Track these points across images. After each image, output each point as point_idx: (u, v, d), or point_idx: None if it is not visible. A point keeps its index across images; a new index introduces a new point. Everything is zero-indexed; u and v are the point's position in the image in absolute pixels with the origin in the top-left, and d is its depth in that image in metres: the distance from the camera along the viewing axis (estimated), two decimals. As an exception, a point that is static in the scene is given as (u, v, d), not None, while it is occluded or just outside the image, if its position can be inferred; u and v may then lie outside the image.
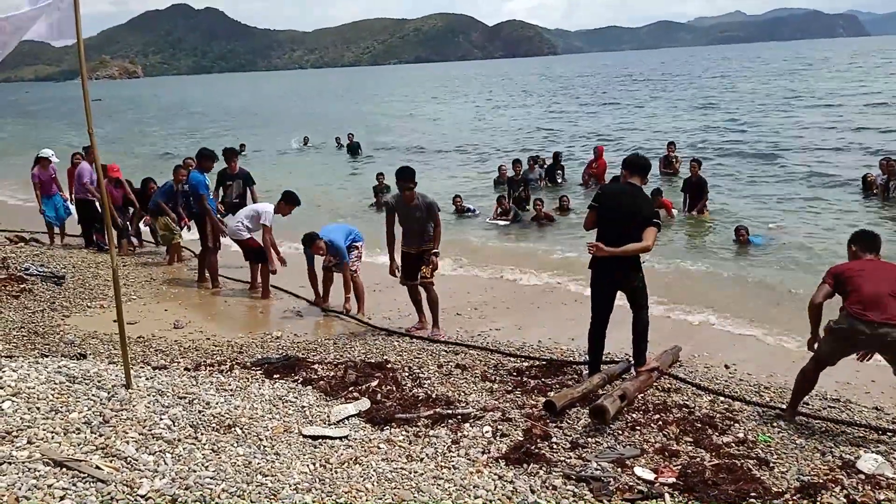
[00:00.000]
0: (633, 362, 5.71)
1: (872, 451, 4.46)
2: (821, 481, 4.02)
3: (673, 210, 12.46)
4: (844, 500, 3.80)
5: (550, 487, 3.87)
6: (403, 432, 4.54)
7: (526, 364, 6.14)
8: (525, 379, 5.74)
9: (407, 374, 5.77)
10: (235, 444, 3.91)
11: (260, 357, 6.19)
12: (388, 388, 5.40)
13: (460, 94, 60.13)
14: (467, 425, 4.67)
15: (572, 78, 76.78)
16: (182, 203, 10.14)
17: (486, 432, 4.56)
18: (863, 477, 4.10)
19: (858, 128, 22.81)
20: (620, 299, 5.63)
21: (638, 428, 4.73)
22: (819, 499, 3.80)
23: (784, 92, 38.87)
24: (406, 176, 6.80)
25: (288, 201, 8.65)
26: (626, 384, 5.23)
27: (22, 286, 8.28)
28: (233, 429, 4.14)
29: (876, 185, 13.04)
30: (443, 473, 3.92)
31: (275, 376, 5.56)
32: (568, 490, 3.85)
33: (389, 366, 5.94)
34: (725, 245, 10.81)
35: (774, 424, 4.91)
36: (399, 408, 4.95)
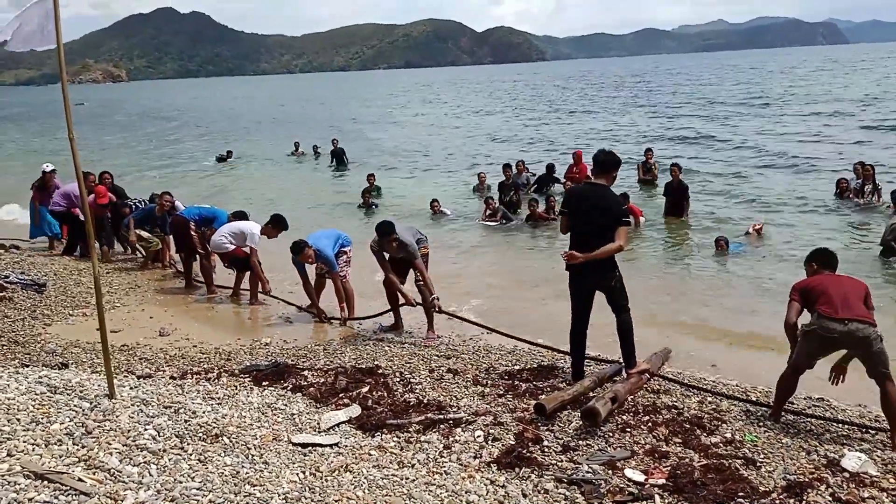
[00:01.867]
0: (623, 364, 5.70)
1: (856, 450, 4.48)
2: (807, 480, 4.03)
3: (641, 217, 12.27)
4: (830, 499, 3.82)
5: (542, 491, 3.85)
6: (395, 438, 4.50)
7: (517, 367, 6.12)
8: (516, 382, 5.71)
9: (398, 379, 5.74)
10: (223, 454, 3.87)
11: (248, 364, 6.13)
12: (379, 393, 5.36)
13: (440, 100, 60.07)
14: (459, 430, 4.64)
15: (545, 85, 76.63)
16: (162, 227, 10.32)
17: (478, 437, 4.53)
18: (847, 475, 4.13)
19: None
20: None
21: (628, 430, 4.72)
22: (805, 497, 3.81)
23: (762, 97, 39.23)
24: (385, 231, 7.01)
25: (276, 225, 8.56)
26: (618, 387, 5.22)
27: (2, 294, 8.17)
28: (220, 438, 4.09)
29: (849, 189, 13.07)
30: (434, 479, 3.90)
31: (264, 384, 5.51)
32: (559, 493, 3.84)
33: (380, 371, 5.90)
34: (705, 253, 10.76)
35: (761, 424, 4.92)
36: (390, 413, 4.91)
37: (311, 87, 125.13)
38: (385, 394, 5.34)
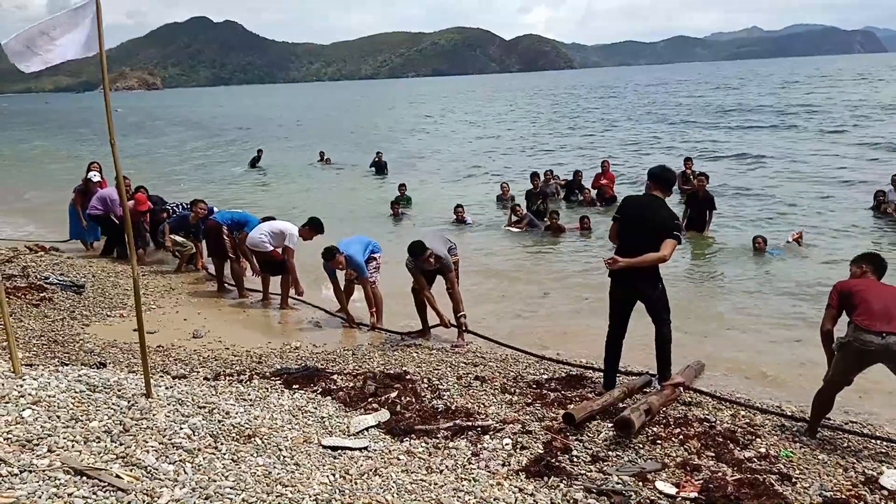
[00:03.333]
0: (655, 376, 5.66)
1: (894, 468, 4.39)
2: (843, 497, 3.98)
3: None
4: (869, 517, 3.74)
5: (571, 501, 3.84)
6: (423, 444, 4.52)
7: (545, 376, 6.11)
8: (544, 391, 5.70)
9: (426, 385, 5.76)
10: (255, 455, 3.91)
11: (279, 367, 6.19)
12: (408, 399, 5.38)
13: (468, 109, 60.28)
14: (487, 437, 4.64)
15: (569, 95, 76.41)
16: (196, 234, 10.48)
17: (506, 445, 4.53)
18: (886, 493, 4.05)
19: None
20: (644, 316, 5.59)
21: (659, 442, 4.68)
22: (844, 515, 3.74)
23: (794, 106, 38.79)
24: (418, 251, 7.17)
25: (313, 227, 8.68)
26: (652, 398, 5.16)
27: (42, 295, 8.36)
28: (252, 439, 4.13)
29: (886, 201, 12.53)
30: (463, 485, 3.90)
31: (294, 387, 5.56)
32: (589, 504, 3.82)
33: (409, 377, 5.92)
34: (740, 259, 10.59)
35: (796, 439, 4.85)
36: (418, 419, 4.93)
37: (341, 94, 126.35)
38: (413, 399, 5.35)
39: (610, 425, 4.93)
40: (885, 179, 13.74)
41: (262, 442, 4.13)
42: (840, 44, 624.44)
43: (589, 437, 4.77)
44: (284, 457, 3.99)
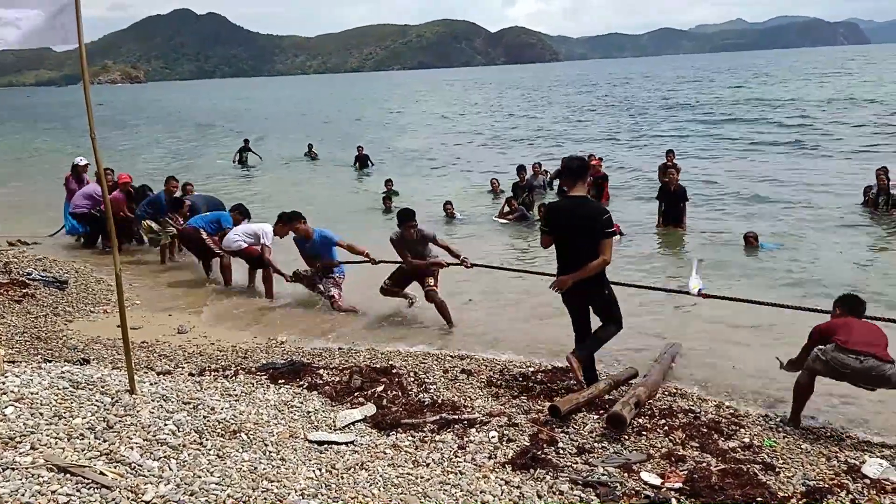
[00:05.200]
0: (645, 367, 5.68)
1: (877, 456, 4.44)
2: (826, 486, 4.00)
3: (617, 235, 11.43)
4: (851, 505, 3.78)
5: (557, 493, 3.85)
6: (409, 437, 4.52)
7: (531, 369, 6.12)
8: (530, 384, 5.71)
9: (412, 379, 5.75)
10: (241, 450, 3.90)
11: (265, 362, 6.17)
12: (394, 393, 5.38)
13: (454, 101, 60.42)
14: (473, 430, 4.65)
15: (554, 87, 76.73)
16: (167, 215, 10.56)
17: (493, 437, 4.54)
18: (868, 481, 4.09)
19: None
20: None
21: (644, 433, 4.71)
22: (825, 503, 3.77)
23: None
24: (407, 217, 7.52)
25: (285, 222, 8.60)
26: (640, 390, 5.17)
27: (24, 291, 8.28)
28: (238, 434, 4.12)
29: (870, 196, 12.45)
30: (449, 479, 3.91)
31: (280, 382, 5.54)
32: (575, 495, 3.84)
33: (395, 371, 5.92)
34: (730, 255, 10.45)
35: (779, 429, 4.90)
36: (405, 413, 4.93)
37: (326, 87, 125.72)
38: (400, 393, 5.35)
39: (596, 417, 4.96)
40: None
41: (248, 437, 4.12)
42: (824, 36, 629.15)
43: (575, 428, 4.79)
44: (270, 452, 3.98)
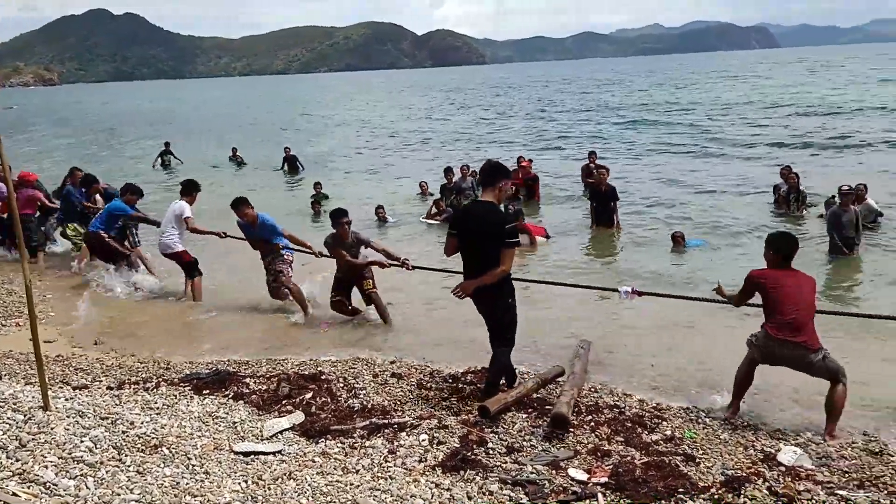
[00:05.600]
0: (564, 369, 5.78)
1: (792, 444, 4.65)
2: (744, 475, 4.15)
3: (540, 237, 11.52)
4: (767, 493, 3.93)
5: (487, 493, 3.88)
6: (339, 444, 4.48)
7: (461, 370, 6.15)
8: (461, 385, 5.74)
9: (342, 385, 5.69)
10: (162, 465, 3.78)
11: (189, 373, 6.00)
12: (323, 399, 5.32)
13: (383, 104, 60.44)
14: (404, 434, 4.64)
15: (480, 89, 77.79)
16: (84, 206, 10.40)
17: (423, 440, 4.54)
18: (783, 469, 4.27)
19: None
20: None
21: (571, 430, 4.79)
22: (743, 492, 3.92)
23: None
24: (340, 214, 7.52)
25: (190, 191, 8.85)
26: (573, 391, 5.27)
27: (-72, 305, 7.81)
28: (159, 449, 4.00)
29: (780, 194, 12.95)
30: (379, 484, 3.88)
31: (204, 392, 5.40)
32: (504, 494, 3.87)
33: (324, 377, 5.84)
34: (654, 256, 10.75)
35: (700, 421, 5.07)
36: (334, 419, 4.88)
37: (251, 89, 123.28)
38: (329, 400, 5.30)
39: (525, 416, 5.02)
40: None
41: (170, 451, 4.00)
42: (737, 40, 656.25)
43: (504, 428, 4.83)
44: (194, 466, 3.87)
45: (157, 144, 26.13)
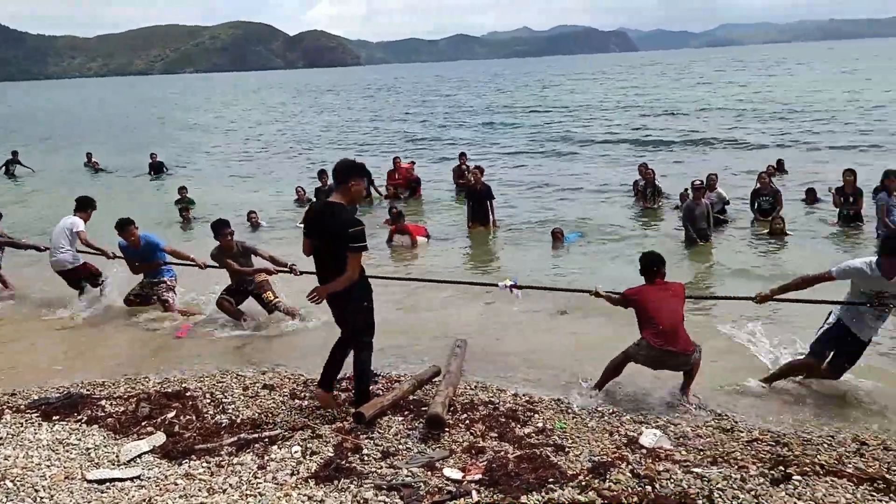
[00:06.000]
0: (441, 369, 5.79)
1: (653, 427, 4.88)
2: (609, 460, 4.31)
3: (422, 238, 11.55)
4: (630, 475, 4.09)
5: (361, 500, 3.82)
6: (204, 464, 4.27)
7: (337, 377, 6.02)
8: (336, 392, 5.63)
9: (209, 400, 5.44)
10: (5, 500, 3.45)
11: (37, 398, 5.52)
12: (188, 417, 5.06)
13: (252, 106, 58.91)
14: (275, 447, 4.49)
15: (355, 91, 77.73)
16: None
17: (296, 452, 4.41)
18: (645, 451, 4.47)
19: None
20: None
21: (447, 429, 4.81)
22: (608, 476, 4.06)
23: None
24: (222, 225, 7.51)
25: (83, 208, 8.65)
26: (449, 390, 5.29)
27: None
28: (2, 483, 3.65)
29: (639, 189, 13.76)
30: (248, 502, 3.73)
31: (54, 418, 5.00)
32: (379, 501, 3.83)
33: (189, 394, 5.56)
34: (532, 252, 11.05)
35: (569, 411, 5.23)
36: (199, 438, 4.65)
37: (110, 91, 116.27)
38: (194, 417, 5.04)
39: (401, 419, 4.99)
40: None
41: (14, 484, 3.69)
42: (599, 44, 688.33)
43: (380, 433, 4.78)
44: (42, 498, 3.59)
45: (2, 152, 24.06)
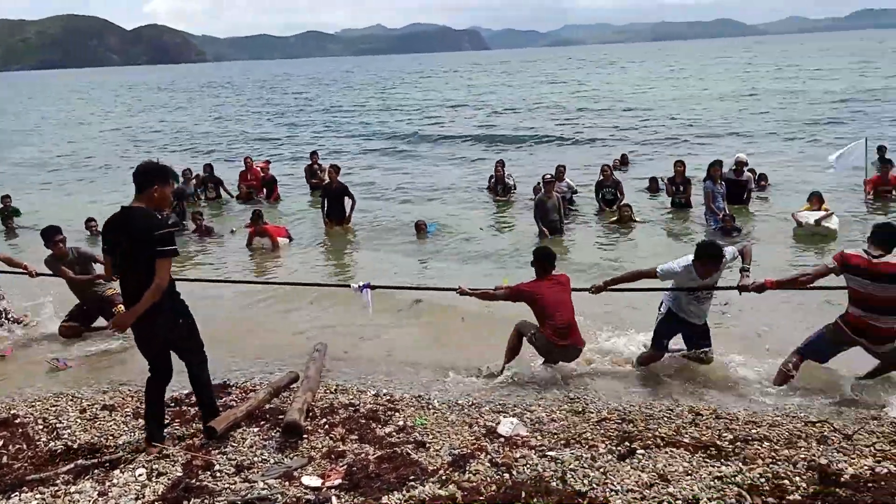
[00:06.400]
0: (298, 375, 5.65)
1: (510, 415, 5.00)
2: (469, 451, 4.36)
3: (282, 238, 11.34)
4: (489, 464, 4.16)
5: (214, 519, 3.63)
6: (38, 495, 3.91)
7: (185, 391, 5.71)
8: (184, 407, 5.34)
9: (41, 426, 4.99)
10: None
11: None
12: (17, 447, 4.62)
13: (86, 105, 55.03)
14: (117, 472, 4.17)
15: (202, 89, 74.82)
16: None
17: (140, 475, 4.11)
18: (503, 440, 4.57)
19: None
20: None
21: (306, 436, 4.69)
22: (468, 468, 4.11)
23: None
24: (52, 232, 7.23)
25: None
26: (307, 396, 5.17)
27: None
28: None
29: (490, 184, 14.51)
30: (87, 534, 3.44)
31: None
32: (234, 517, 3.65)
33: (18, 421, 5.07)
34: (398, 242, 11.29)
35: (430, 406, 5.26)
36: (31, 468, 4.27)
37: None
38: (24, 446, 4.61)
39: (257, 430, 4.81)
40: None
41: None
42: (452, 42, 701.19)
43: (234, 446, 4.57)
44: None
45: None
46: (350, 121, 33.03)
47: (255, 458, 4.38)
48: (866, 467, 3.90)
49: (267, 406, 5.19)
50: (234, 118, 37.59)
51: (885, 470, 3.85)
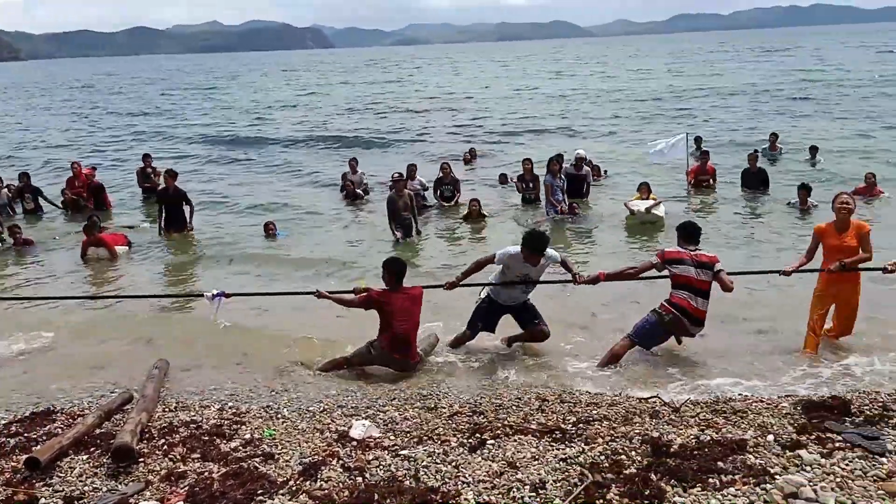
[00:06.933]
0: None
1: (363, 418, 4.93)
2: (320, 458, 4.25)
3: (122, 247, 10.69)
4: (341, 470, 4.08)
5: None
6: None
7: (4, 420, 5.17)
8: (4, 439, 4.81)
9: None
10: None
11: None
12: None
13: None
14: (-83, 521, 3.69)
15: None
16: None
17: (-54, 521, 3.66)
18: (355, 443, 4.50)
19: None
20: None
21: (141, 459, 4.36)
22: (319, 475, 4.00)
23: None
24: None
25: None
26: (142, 416, 4.85)
27: None
28: None
29: (345, 182, 14.31)
30: None
31: None
32: (60, 557, 3.33)
33: None
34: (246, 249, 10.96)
35: (279, 416, 5.08)
36: None
37: None
38: None
39: (87, 457, 4.43)
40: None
41: None
42: (294, 40, 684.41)
43: (61, 476, 4.18)
44: None
45: None
46: (178, 123, 31.24)
47: (86, 488, 4.03)
48: (692, 437, 4.22)
49: (97, 431, 4.79)
50: (42, 125, 34.16)
51: (709, 438, 4.18)
